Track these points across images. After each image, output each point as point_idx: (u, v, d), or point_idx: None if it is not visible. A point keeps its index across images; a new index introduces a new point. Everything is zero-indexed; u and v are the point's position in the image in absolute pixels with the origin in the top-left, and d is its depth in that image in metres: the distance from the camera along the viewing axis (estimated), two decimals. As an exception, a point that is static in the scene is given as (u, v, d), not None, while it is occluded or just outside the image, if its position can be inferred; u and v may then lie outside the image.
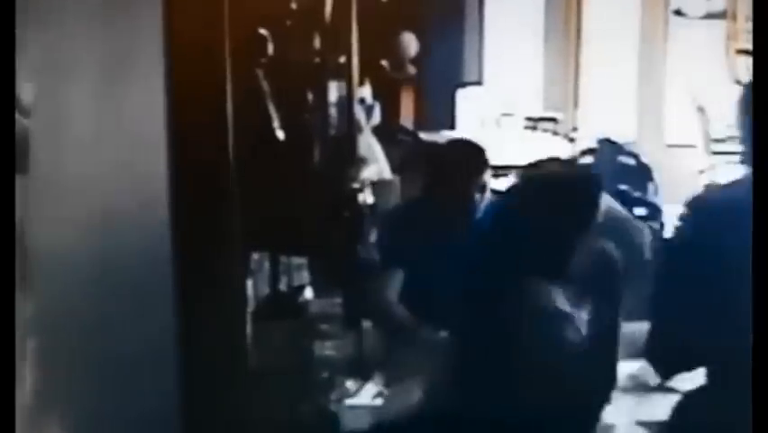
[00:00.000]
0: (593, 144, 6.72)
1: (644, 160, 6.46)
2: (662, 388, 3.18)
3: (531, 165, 3.59)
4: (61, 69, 2.15)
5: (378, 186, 5.08)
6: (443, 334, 3.46)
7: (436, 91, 8.05)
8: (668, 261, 2.80)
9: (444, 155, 4.04)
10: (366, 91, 6.46)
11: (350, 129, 4.64)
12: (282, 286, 5.02)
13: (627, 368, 3.30)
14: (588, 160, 6.44)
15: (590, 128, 8.56)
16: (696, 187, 8.14)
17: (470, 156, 3.91)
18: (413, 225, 3.89)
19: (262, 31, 5.32)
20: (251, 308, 3.90)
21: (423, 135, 7.28)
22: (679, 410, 2.75)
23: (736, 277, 2.42)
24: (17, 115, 1.77)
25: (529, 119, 8.67)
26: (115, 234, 2.43)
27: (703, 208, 2.67)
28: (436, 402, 3.10)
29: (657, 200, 5.84)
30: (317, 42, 5.20)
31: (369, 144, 5.76)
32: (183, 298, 2.92)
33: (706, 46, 8.92)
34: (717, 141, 8.46)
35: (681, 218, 2.67)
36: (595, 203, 3.08)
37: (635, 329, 2.90)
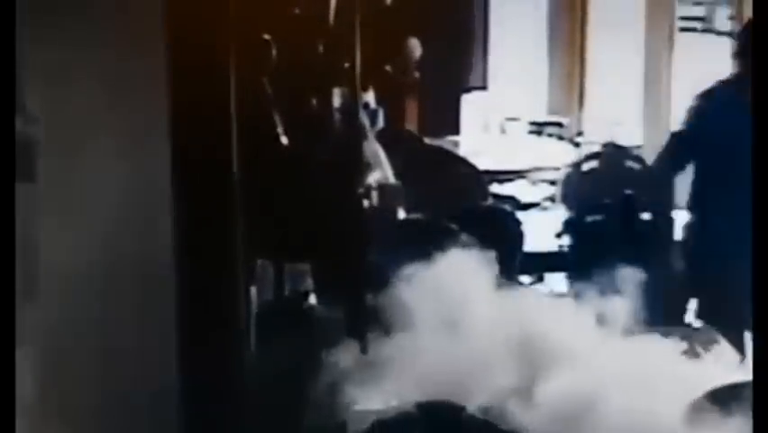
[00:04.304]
0: (598, 149, 6.70)
1: (650, 164, 6.44)
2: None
3: None
4: (64, 78, 2.14)
5: (382, 191, 5.07)
6: None
7: (440, 96, 8.03)
8: None
9: None
10: (370, 96, 6.45)
11: (355, 134, 4.63)
12: (286, 292, 5.00)
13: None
14: (593, 164, 6.42)
15: (596, 132, 8.55)
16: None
17: None
18: None
19: (266, 36, 5.30)
20: (254, 314, 3.89)
21: (427, 140, 7.27)
22: None
23: None
24: (22, 123, 1.75)
25: (534, 124, 8.66)
26: (119, 242, 2.42)
27: None
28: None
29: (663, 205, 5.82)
30: (321, 48, 5.19)
31: (373, 149, 5.74)
32: (187, 304, 2.91)
33: (712, 50, 8.91)
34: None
35: None
36: None
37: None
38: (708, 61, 8.91)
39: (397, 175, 5.90)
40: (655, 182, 4.51)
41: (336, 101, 5.27)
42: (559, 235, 5.20)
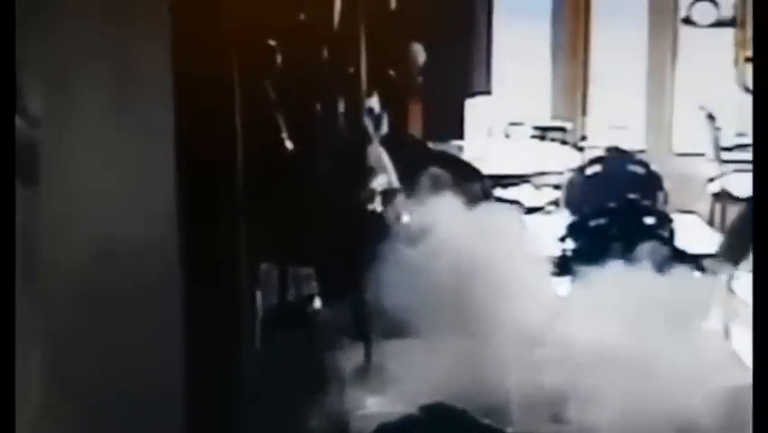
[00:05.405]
0: (602, 153, 6.71)
1: (654, 168, 6.44)
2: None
3: None
4: (67, 81, 2.14)
5: (386, 195, 5.07)
6: None
7: (444, 101, 8.04)
8: None
9: None
10: (374, 101, 6.45)
11: (359, 139, 4.63)
12: (291, 296, 5.00)
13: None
14: (597, 168, 6.43)
15: (599, 137, 8.57)
16: (705, 195, 8.16)
17: None
18: None
19: (271, 42, 5.30)
20: (259, 318, 3.89)
21: (431, 145, 7.27)
22: None
23: None
24: (23, 126, 1.76)
25: (538, 128, 8.68)
26: (122, 245, 2.43)
27: None
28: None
29: (666, 209, 5.82)
30: (326, 53, 5.19)
31: (377, 154, 5.74)
32: (191, 309, 2.91)
33: (715, 54, 8.92)
34: (727, 149, 8.44)
35: None
36: None
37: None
38: (711, 66, 8.91)
39: (401, 179, 5.91)
40: None
41: (341, 106, 5.27)
42: (563, 239, 5.21)
